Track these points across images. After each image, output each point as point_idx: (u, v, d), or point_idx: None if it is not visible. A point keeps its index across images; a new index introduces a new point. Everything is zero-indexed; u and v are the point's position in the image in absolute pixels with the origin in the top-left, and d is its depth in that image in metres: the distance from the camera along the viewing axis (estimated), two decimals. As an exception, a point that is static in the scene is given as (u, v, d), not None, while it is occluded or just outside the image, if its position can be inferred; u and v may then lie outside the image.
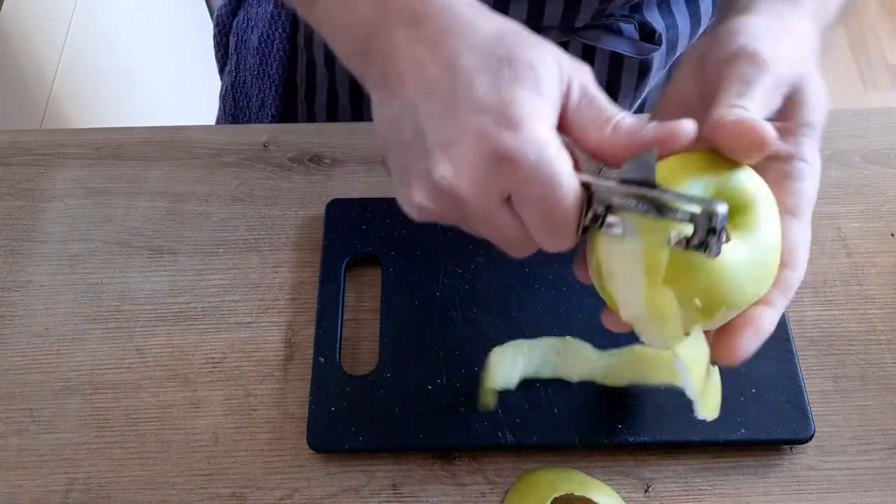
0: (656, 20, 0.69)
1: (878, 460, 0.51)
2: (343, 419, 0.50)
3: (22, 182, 0.63)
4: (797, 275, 0.41)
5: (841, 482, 0.50)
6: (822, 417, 0.52)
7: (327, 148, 0.64)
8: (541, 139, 0.37)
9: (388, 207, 0.59)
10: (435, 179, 0.38)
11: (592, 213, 0.38)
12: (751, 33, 0.42)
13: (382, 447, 0.50)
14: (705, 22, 0.71)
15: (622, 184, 0.38)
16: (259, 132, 0.65)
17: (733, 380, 0.52)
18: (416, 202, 0.40)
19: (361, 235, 0.58)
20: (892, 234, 0.59)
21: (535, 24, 0.65)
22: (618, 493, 0.49)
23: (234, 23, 0.77)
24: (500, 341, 0.53)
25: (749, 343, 0.40)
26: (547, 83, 0.39)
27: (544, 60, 0.39)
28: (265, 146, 0.64)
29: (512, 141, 0.37)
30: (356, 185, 0.62)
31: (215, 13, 0.80)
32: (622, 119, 0.40)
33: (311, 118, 0.77)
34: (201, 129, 0.66)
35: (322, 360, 0.53)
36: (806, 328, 0.55)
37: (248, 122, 0.79)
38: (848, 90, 1.88)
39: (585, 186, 0.38)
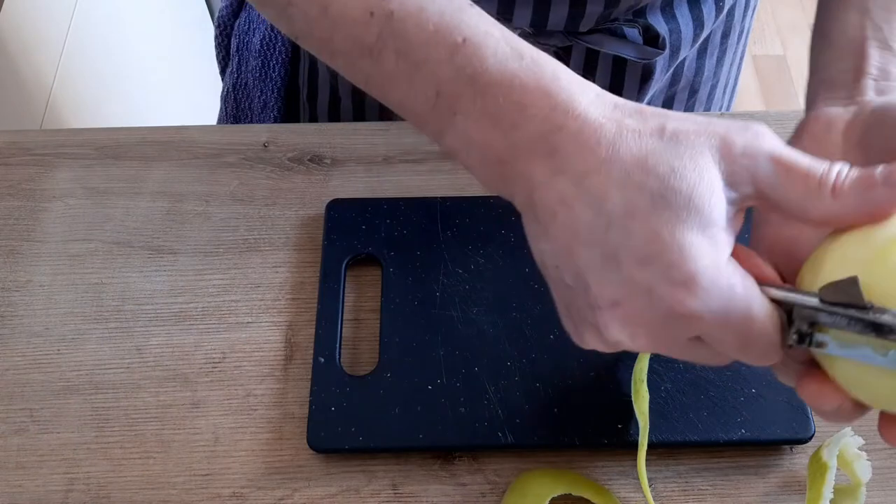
0: (660, 24, 0.68)
1: (878, 460, 0.51)
2: (343, 419, 0.50)
3: (22, 182, 0.63)
4: None
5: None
6: (823, 417, 0.52)
7: (327, 148, 0.64)
8: (721, 287, 0.34)
9: (388, 207, 0.59)
10: (608, 339, 0.37)
11: (797, 330, 0.35)
12: None
13: (382, 447, 0.50)
14: (708, 26, 0.71)
15: (826, 304, 0.34)
16: (259, 132, 0.65)
17: (733, 380, 0.52)
18: (590, 346, 0.38)
19: (361, 235, 0.58)
20: (892, 234, 0.59)
21: (540, 28, 0.64)
22: (617, 493, 0.49)
23: (236, 24, 0.77)
24: (500, 341, 0.53)
25: None
26: (710, 205, 0.35)
27: (701, 177, 0.35)
28: (265, 146, 0.64)
29: (690, 302, 0.34)
30: (356, 185, 0.62)
31: (216, 14, 0.81)
32: (839, 175, 0.35)
33: (313, 120, 0.77)
34: (201, 129, 0.66)
35: (322, 360, 0.53)
36: (806, 328, 0.55)
37: (250, 123, 0.79)
38: (848, 90, 1.88)
39: (780, 303, 0.35)
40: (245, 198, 0.61)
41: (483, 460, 0.51)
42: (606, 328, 0.36)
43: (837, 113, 0.43)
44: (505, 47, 0.38)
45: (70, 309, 0.57)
